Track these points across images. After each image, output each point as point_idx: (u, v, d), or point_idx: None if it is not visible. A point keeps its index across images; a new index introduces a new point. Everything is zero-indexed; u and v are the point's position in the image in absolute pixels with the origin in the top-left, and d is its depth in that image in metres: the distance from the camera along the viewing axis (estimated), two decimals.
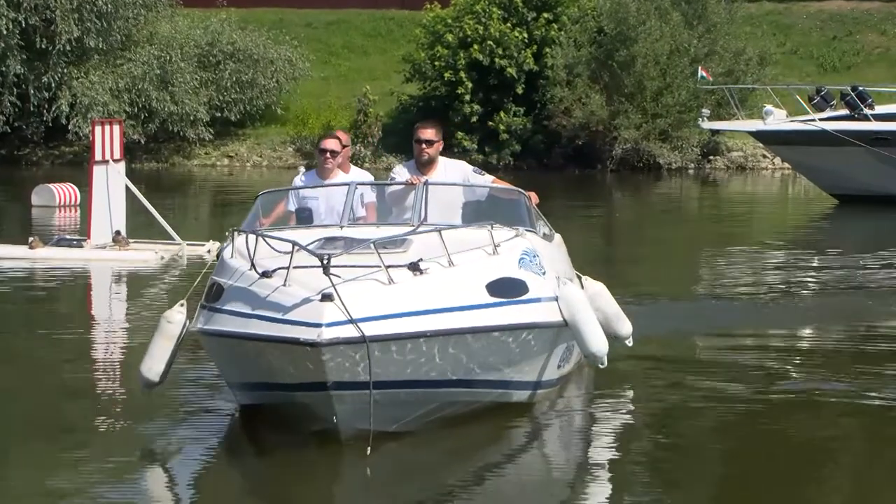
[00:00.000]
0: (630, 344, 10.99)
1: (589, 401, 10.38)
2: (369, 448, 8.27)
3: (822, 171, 30.46)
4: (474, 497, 8.24)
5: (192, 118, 40.58)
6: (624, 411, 10.22)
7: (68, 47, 39.36)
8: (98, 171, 19.59)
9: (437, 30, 41.08)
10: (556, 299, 9.51)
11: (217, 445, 9.15)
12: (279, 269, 8.60)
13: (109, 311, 16.03)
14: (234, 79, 41.36)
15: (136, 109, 40.07)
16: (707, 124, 33.82)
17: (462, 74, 40.07)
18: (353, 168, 10.89)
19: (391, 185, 10.26)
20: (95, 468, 8.55)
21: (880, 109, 30.37)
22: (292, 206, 10.34)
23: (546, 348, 9.63)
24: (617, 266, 19.59)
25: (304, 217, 10.17)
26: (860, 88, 30.70)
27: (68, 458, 8.82)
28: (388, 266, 8.57)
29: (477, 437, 9.19)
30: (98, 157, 19.62)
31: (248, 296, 8.69)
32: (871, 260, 19.88)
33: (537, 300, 9.32)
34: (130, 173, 21.69)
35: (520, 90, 40.39)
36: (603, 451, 9.22)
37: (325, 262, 8.26)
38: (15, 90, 39.62)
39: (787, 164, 35.98)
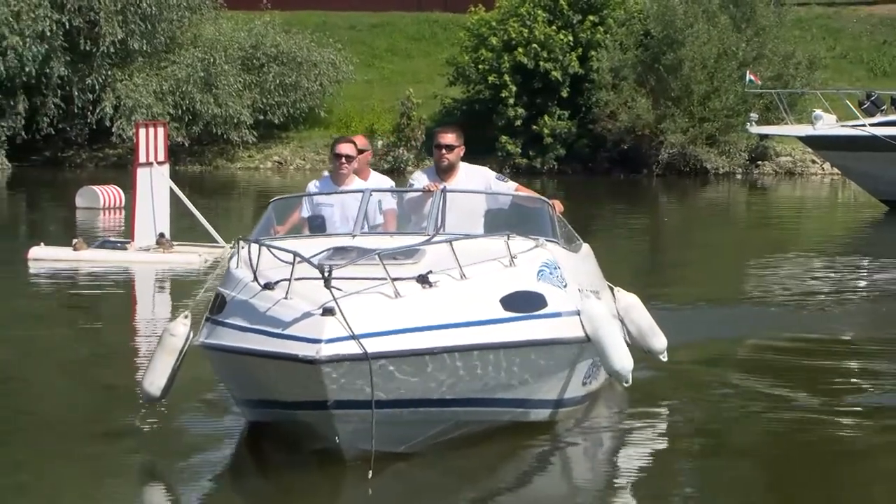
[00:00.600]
0: (665, 359, 10.47)
1: (619, 418, 9.91)
2: (370, 471, 7.88)
3: (871, 177, 30.08)
4: None
5: (235, 121, 40.57)
6: (656, 430, 9.70)
7: (112, 49, 39.43)
8: (142, 174, 19.56)
9: (481, 32, 40.86)
10: (578, 313, 9.10)
11: (219, 464, 8.75)
12: (281, 280, 8.23)
13: (153, 313, 15.93)
14: (277, 81, 41.32)
15: (179, 112, 40.10)
16: (755, 129, 33.52)
17: (506, 78, 39.83)
18: (374, 174, 10.39)
19: (408, 191, 9.88)
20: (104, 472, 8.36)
21: None
22: (307, 213, 9.92)
23: (567, 364, 9.19)
24: (666, 271, 19.36)
25: (317, 225, 9.77)
26: None
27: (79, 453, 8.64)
28: (395, 278, 8.18)
29: (491, 457, 8.73)
30: (142, 159, 19.59)
31: (249, 309, 8.35)
32: None
33: (557, 314, 8.91)
34: (174, 176, 21.63)
35: (564, 93, 40.11)
36: (629, 473, 8.70)
37: (326, 274, 7.87)
38: (59, 92, 39.74)
39: (836, 170, 35.55)
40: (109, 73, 39.83)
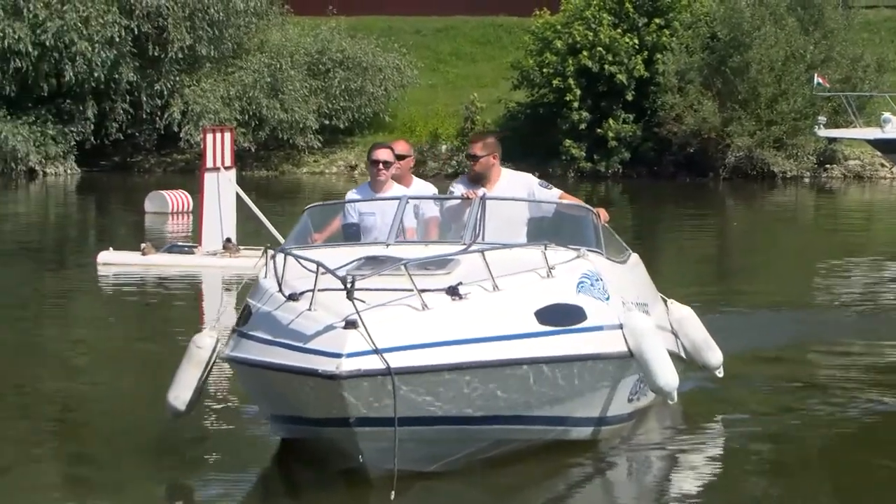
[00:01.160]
0: (720, 374, 10.11)
1: (668, 437, 9.50)
2: (393, 492, 7.55)
3: None
4: None
5: (301, 126, 40.75)
6: (708, 451, 9.28)
7: (180, 55, 39.76)
8: (209, 179, 19.69)
9: (545, 36, 40.76)
10: (622, 327, 8.75)
11: (247, 482, 8.54)
12: (306, 291, 7.93)
13: (218, 318, 16.00)
14: (343, 87, 41.46)
15: (246, 117, 40.35)
16: (823, 132, 33.23)
17: (571, 81, 39.70)
18: (416, 180, 9.98)
19: (447, 199, 9.51)
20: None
21: None
22: (347, 221, 9.56)
23: (609, 380, 8.82)
24: (738, 275, 19.17)
25: (352, 233, 9.37)
26: None
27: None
28: (424, 290, 7.80)
29: (530, 475, 8.33)
30: (209, 164, 19.73)
31: (273, 321, 8.06)
32: None
33: (598, 328, 8.56)
34: (241, 181, 21.76)
35: (629, 97, 39.91)
36: (677, 498, 8.25)
37: (348, 285, 7.54)
38: (128, 97, 40.13)
39: None
40: (177, 78, 40.18)
